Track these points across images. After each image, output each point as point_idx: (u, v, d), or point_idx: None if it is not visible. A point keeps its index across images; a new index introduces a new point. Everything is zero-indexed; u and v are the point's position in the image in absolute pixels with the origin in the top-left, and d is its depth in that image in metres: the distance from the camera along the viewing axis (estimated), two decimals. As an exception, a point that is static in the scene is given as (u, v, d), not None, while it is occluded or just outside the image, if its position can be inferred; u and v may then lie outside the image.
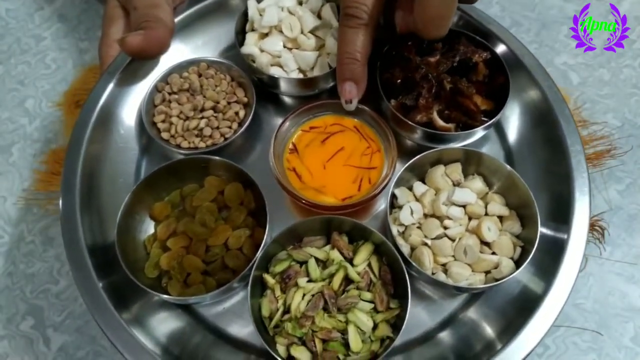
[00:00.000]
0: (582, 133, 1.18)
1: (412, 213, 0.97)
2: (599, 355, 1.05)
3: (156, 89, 1.10)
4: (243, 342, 0.97)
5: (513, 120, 1.12)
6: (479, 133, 1.04)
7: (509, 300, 0.97)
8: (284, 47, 1.11)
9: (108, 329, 0.89)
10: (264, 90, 1.14)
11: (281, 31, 1.10)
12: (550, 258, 0.95)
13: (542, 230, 0.95)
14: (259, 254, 0.91)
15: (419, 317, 0.99)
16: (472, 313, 0.99)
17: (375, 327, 0.91)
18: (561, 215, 0.98)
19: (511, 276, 0.91)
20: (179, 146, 1.06)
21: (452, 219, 0.97)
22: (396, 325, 0.91)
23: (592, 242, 1.12)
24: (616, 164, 1.20)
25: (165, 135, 1.07)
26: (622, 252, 1.13)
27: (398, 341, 0.94)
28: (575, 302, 1.08)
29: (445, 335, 0.98)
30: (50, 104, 1.32)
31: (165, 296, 0.93)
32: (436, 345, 0.97)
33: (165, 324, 0.96)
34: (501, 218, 0.99)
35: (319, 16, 1.13)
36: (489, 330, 0.96)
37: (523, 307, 0.94)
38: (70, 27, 1.43)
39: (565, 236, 0.96)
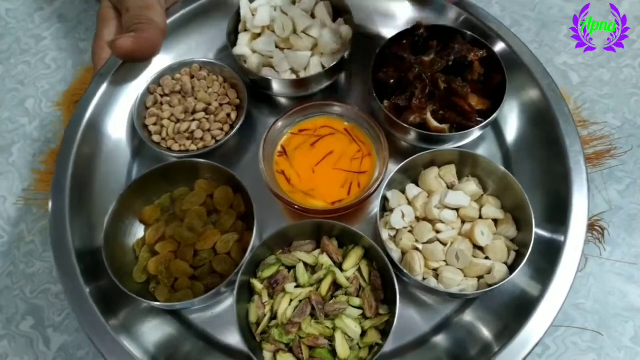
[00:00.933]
0: (582, 133, 1.17)
1: (403, 217, 0.96)
2: (599, 355, 1.04)
3: (148, 91, 1.09)
4: (233, 349, 0.96)
5: (511, 119, 1.10)
6: (474, 134, 1.02)
7: (506, 303, 0.95)
8: (276, 47, 1.09)
9: (94, 335, 0.89)
10: (258, 91, 1.12)
11: (274, 31, 1.09)
12: (547, 260, 0.93)
13: (539, 232, 0.94)
14: (245, 258, 0.90)
15: (413, 321, 0.98)
16: (467, 317, 0.98)
17: (364, 333, 0.89)
18: (559, 217, 0.96)
19: (504, 282, 0.89)
20: (169, 149, 1.05)
21: (445, 222, 0.95)
22: (386, 331, 0.90)
23: (592, 242, 1.11)
24: (616, 164, 1.18)
25: (156, 138, 1.06)
26: (622, 252, 1.11)
27: (392, 346, 0.94)
28: (575, 302, 1.07)
29: (440, 340, 0.97)
30: (50, 104, 1.32)
31: (151, 302, 0.92)
32: (431, 350, 0.96)
33: (154, 330, 0.96)
34: (496, 221, 0.97)
35: (312, 16, 1.11)
36: (485, 334, 0.94)
37: (520, 310, 0.92)
38: (70, 27, 1.43)
39: (563, 238, 0.94)
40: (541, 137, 1.05)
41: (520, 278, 0.95)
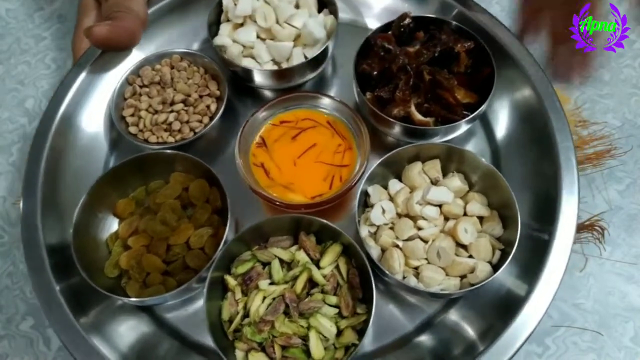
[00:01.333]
0: (582, 133, 1.17)
1: (383, 212, 0.92)
2: (599, 355, 1.03)
3: (127, 81, 1.07)
4: (208, 348, 0.92)
5: (501, 115, 1.07)
6: (460, 128, 0.99)
7: (491, 303, 0.92)
8: (258, 37, 1.07)
9: (63, 334, 0.86)
10: (240, 83, 1.10)
11: (256, 21, 1.06)
12: (534, 259, 0.90)
13: (527, 230, 0.91)
14: (217, 253, 0.87)
15: (396, 320, 0.94)
16: (451, 316, 0.95)
17: (340, 333, 0.86)
18: (548, 216, 0.93)
19: (487, 281, 0.86)
20: (146, 141, 1.02)
21: (427, 219, 0.91)
22: (363, 331, 0.86)
23: (592, 242, 1.09)
24: (616, 164, 1.17)
25: (133, 129, 1.03)
26: (622, 252, 1.10)
27: (374, 346, 0.91)
28: (575, 302, 1.06)
29: (423, 339, 0.93)
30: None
31: (121, 298, 0.89)
32: (414, 350, 0.93)
33: (127, 329, 0.93)
34: (481, 219, 0.93)
35: (297, 6, 1.09)
36: (469, 333, 0.91)
37: (505, 309, 0.89)
38: (70, 27, 1.38)
39: (551, 237, 0.90)
40: (532, 134, 1.02)
41: (506, 277, 0.92)
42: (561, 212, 0.92)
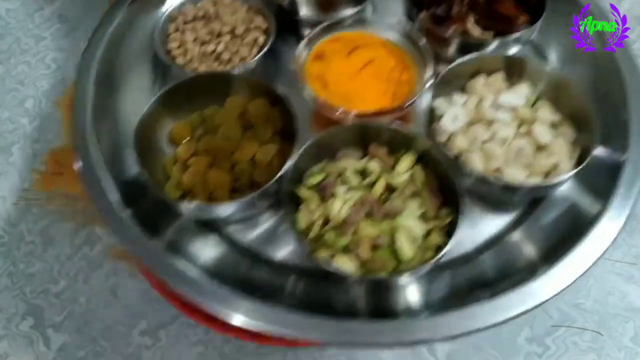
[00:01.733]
0: None
1: (454, 119, 0.89)
2: (599, 355, 1.03)
3: (169, 18, 1.04)
4: (280, 264, 0.89)
5: (554, 43, 1.07)
6: (517, 43, 0.97)
7: (559, 223, 0.90)
8: (304, -32, 1.05)
9: (144, 256, 0.83)
10: (284, 19, 1.06)
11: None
12: (606, 180, 0.87)
13: (596, 154, 0.86)
14: (288, 164, 0.83)
15: (461, 237, 0.87)
16: (517, 234, 0.91)
17: (426, 236, 0.81)
18: (618, 137, 0.90)
19: (572, 173, 0.82)
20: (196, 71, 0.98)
21: (500, 122, 0.88)
22: (451, 232, 0.80)
23: None
24: None
25: (180, 60, 0.99)
26: (622, 252, 1.11)
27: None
28: (575, 302, 1.07)
29: (487, 257, 0.90)
30: (50, 103, 1.31)
31: (191, 203, 0.85)
32: (477, 266, 0.89)
33: (199, 249, 0.89)
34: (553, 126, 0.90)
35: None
36: (533, 253, 0.88)
37: (573, 231, 0.85)
38: (70, 27, 1.43)
39: (623, 158, 0.87)
40: (592, 60, 1.03)
41: (577, 195, 0.90)
42: (632, 132, 0.89)
